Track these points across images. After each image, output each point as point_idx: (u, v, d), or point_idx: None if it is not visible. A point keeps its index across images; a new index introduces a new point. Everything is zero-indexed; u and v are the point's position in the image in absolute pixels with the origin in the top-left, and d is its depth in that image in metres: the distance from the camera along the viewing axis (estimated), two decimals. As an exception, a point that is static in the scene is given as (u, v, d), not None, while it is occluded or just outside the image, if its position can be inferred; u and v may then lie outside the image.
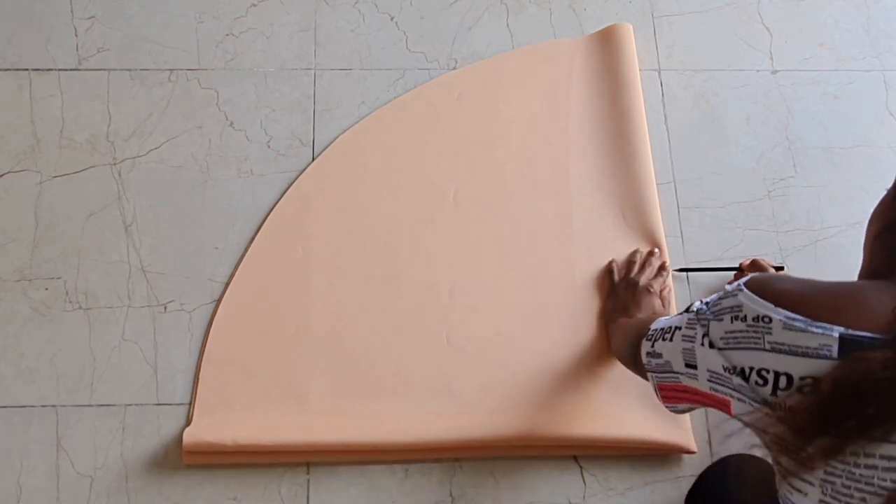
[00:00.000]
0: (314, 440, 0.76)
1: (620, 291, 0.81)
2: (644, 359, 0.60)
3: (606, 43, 0.97)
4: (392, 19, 0.99)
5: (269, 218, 0.88)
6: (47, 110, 0.92)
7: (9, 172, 0.89)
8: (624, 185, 0.90)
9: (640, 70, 0.96)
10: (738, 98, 0.97)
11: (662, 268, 0.83)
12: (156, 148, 0.91)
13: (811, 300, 0.45)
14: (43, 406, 0.80)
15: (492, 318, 0.83)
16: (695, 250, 0.88)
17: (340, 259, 0.86)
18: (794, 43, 1.00)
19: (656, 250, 0.85)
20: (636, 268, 0.82)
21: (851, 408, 0.41)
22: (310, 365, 0.81)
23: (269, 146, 0.92)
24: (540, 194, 0.89)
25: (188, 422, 0.79)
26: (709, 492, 0.72)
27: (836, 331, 0.43)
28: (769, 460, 0.50)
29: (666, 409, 0.61)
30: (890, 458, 0.41)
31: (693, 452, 0.78)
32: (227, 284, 0.85)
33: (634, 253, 0.84)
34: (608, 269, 0.85)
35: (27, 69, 0.94)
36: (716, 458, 0.77)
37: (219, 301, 0.84)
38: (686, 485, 0.77)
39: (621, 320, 0.77)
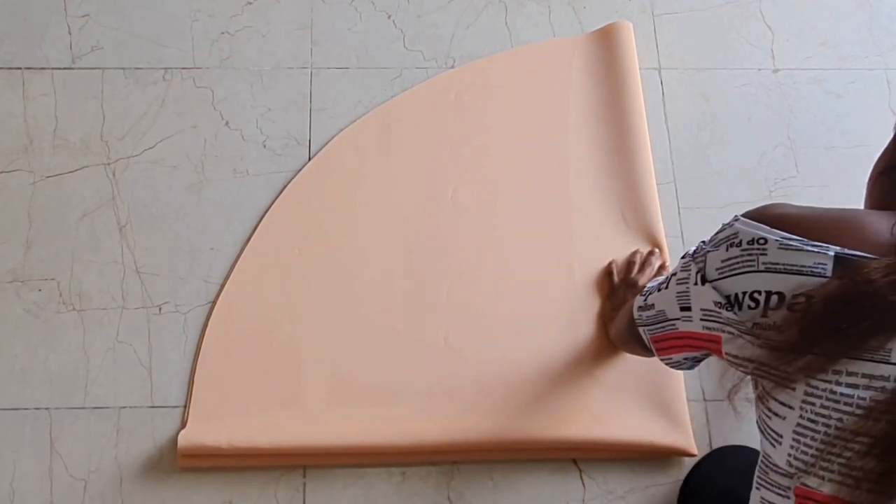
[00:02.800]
0: (310, 443, 0.76)
1: (620, 292, 0.81)
2: (635, 314, 0.60)
3: (606, 41, 0.96)
4: (389, 17, 0.98)
5: (265, 218, 0.87)
6: (40, 109, 0.92)
7: (2, 172, 0.89)
8: (624, 185, 0.89)
9: (639, 69, 0.95)
10: (739, 97, 0.96)
11: (662, 268, 0.82)
12: (150, 148, 0.90)
13: (808, 223, 0.45)
14: (36, 408, 0.79)
15: (490, 320, 0.82)
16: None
17: (337, 260, 0.85)
18: (795, 41, 0.99)
19: (656, 250, 0.84)
20: (636, 268, 0.82)
21: (844, 321, 0.42)
22: (306, 367, 0.80)
23: (264, 146, 0.91)
24: (539, 194, 0.89)
25: (183, 424, 0.78)
26: (700, 483, 0.73)
27: (833, 250, 0.43)
28: (753, 396, 0.50)
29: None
30: (871, 377, 0.41)
31: (693, 455, 0.77)
32: (223, 286, 0.84)
33: (634, 254, 0.84)
34: (608, 271, 0.84)
35: (20, 68, 0.94)
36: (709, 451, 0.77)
37: (214, 302, 0.83)
38: (686, 488, 0.76)
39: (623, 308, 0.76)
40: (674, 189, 0.91)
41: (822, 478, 0.44)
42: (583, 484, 0.77)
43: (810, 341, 0.43)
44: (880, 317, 0.41)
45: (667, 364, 0.61)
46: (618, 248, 0.86)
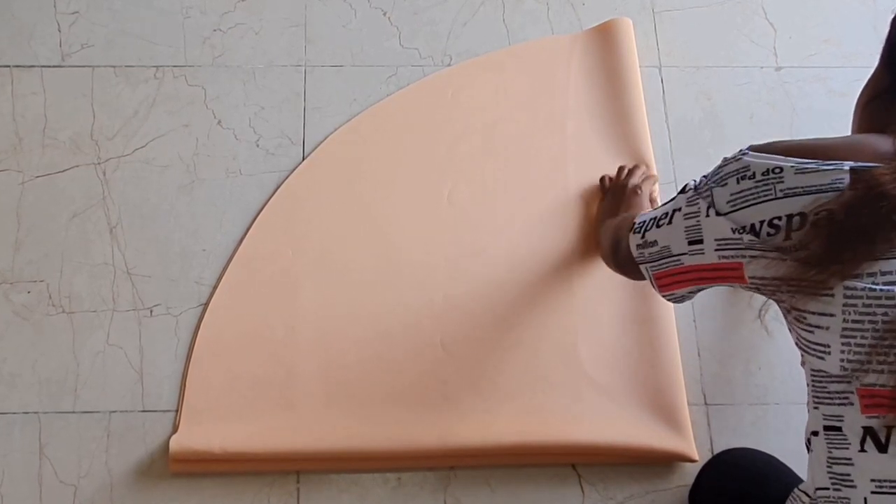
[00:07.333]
0: (305, 447, 0.75)
1: (611, 195, 0.83)
2: (635, 252, 0.61)
3: (605, 38, 0.95)
4: (385, 14, 0.97)
5: (257, 219, 0.86)
6: (30, 108, 0.90)
7: (-10, 172, 0.88)
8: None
9: (640, 66, 0.94)
10: (741, 96, 0.95)
11: (649, 177, 0.85)
12: (141, 147, 0.89)
13: (817, 150, 0.48)
14: (25, 413, 0.78)
15: (488, 323, 0.81)
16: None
17: (331, 261, 0.84)
18: (798, 39, 0.98)
19: (644, 164, 0.86)
20: (624, 172, 0.85)
21: (865, 225, 0.44)
22: (300, 370, 0.79)
23: (257, 145, 0.90)
24: (537, 195, 0.87)
25: (174, 429, 0.77)
26: (712, 487, 0.72)
27: (847, 164, 0.46)
28: (785, 319, 0.51)
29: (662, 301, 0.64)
30: None
31: (694, 461, 0.76)
32: (215, 288, 0.83)
33: (622, 166, 0.86)
34: (601, 181, 0.87)
35: (9, 66, 0.92)
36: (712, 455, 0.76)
37: (206, 305, 0.82)
38: (686, 493, 0.75)
39: (608, 221, 0.78)
40: (675, 189, 0.89)
41: (881, 371, 0.45)
42: (582, 490, 0.76)
43: (838, 249, 0.46)
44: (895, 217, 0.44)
45: (669, 299, 0.62)
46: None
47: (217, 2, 0.96)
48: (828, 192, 0.46)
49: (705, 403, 0.80)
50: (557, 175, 0.88)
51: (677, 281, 0.58)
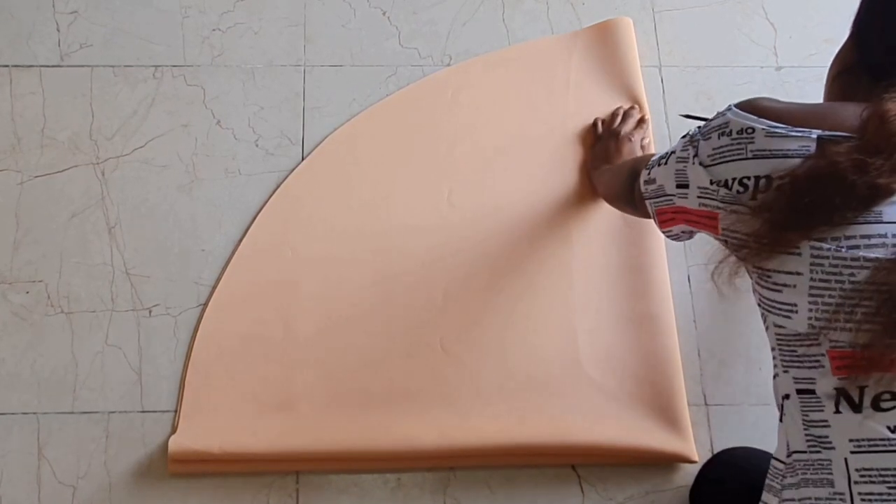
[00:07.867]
0: (304, 448, 0.75)
1: (603, 141, 0.86)
2: (642, 187, 0.63)
3: (606, 38, 0.95)
4: (384, 14, 0.97)
5: (257, 219, 0.85)
6: (28, 108, 0.90)
7: (-11, 172, 0.87)
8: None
9: (640, 66, 0.93)
10: (742, 95, 0.92)
11: (643, 121, 0.88)
12: (140, 147, 0.89)
13: (792, 113, 0.49)
14: (24, 413, 0.78)
15: (487, 323, 0.81)
16: (700, 252, 0.86)
17: (330, 261, 0.83)
18: (798, 38, 0.98)
19: (636, 105, 0.89)
20: (618, 119, 0.87)
21: (815, 199, 0.46)
22: (299, 371, 0.78)
23: (257, 145, 0.90)
24: (538, 195, 0.87)
25: (174, 429, 0.77)
26: (710, 488, 0.72)
27: (815, 132, 0.47)
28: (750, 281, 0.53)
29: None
30: (869, 237, 0.45)
31: (694, 462, 0.76)
32: (214, 288, 0.83)
33: (617, 108, 0.89)
34: (594, 124, 0.89)
35: (7, 65, 0.92)
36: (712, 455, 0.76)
37: (205, 305, 0.82)
38: (687, 494, 0.75)
39: (605, 166, 0.82)
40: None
41: (849, 329, 0.46)
42: (581, 490, 0.76)
43: (797, 215, 0.47)
44: (844, 194, 0.45)
45: (667, 236, 0.64)
46: (618, 247, 0.84)
47: (216, 1, 0.96)
48: (794, 158, 0.47)
49: (705, 403, 0.80)
50: (558, 175, 0.88)
51: (671, 219, 0.60)
